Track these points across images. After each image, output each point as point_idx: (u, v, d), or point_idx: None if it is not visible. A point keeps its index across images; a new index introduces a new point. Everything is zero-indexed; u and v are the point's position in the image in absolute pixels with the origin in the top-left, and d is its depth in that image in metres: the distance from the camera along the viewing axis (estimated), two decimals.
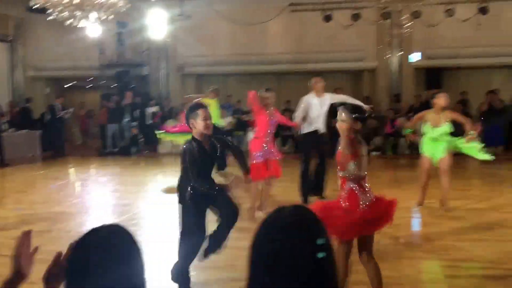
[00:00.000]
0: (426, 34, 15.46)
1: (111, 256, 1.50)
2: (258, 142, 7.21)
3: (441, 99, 7.16)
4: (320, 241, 1.39)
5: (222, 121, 11.41)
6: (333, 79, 15.91)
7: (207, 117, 4.42)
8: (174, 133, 10.89)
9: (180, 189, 4.55)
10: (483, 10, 14.11)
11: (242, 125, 14.55)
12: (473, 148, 7.22)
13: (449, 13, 14.10)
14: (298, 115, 8.02)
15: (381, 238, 6.10)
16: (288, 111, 13.95)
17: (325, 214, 3.77)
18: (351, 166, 3.91)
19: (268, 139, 7.22)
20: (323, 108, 7.93)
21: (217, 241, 4.57)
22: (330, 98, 8.06)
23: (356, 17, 14.81)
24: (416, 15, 14.22)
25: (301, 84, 8.44)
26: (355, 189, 3.91)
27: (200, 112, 4.40)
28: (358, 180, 3.92)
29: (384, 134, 14.78)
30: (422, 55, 16.32)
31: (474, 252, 5.63)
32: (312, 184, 8.11)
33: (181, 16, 16.13)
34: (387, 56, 16.44)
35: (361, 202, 3.89)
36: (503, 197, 8.55)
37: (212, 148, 4.49)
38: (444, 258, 5.47)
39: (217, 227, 4.58)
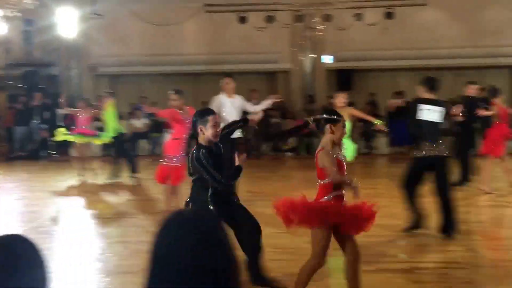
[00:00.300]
0: (337, 37, 15.99)
1: (11, 266, 1.46)
2: (176, 143, 7.01)
3: (338, 98, 7.79)
4: (219, 244, 1.40)
5: (120, 125, 11.14)
6: (248, 81, 16.10)
7: (217, 124, 4.29)
8: (73, 134, 10.62)
9: (195, 203, 4.33)
10: (389, 15, 14.84)
11: (158, 127, 14.38)
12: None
13: (358, 17, 14.69)
14: None
15: (292, 237, 6.25)
16: None
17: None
18: (335, 172, 3.94)
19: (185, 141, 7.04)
20: (235, 109, 7.96)
21: (253, 267, 4.51)
22: (241, 101, 8.13)
23: (270, 19, 15.06)
24: (327, 18, 14.68)
25: (218, 85, 8.48)
26: (340, 196, 4.01)
27: (210, 118, 4.23)
28: (340, 186, 4.01)
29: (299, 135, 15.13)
30: (334, 57, 16.89)
31: (382, 247, 5.91)
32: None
33: (93, 15, 15.68)
34: (301, 58, 16.86)
35: None
36: None
37: (218, 150, 4.36)
38: None
39: (246, 255, 4.50)
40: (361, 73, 17.20)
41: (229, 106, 7.91)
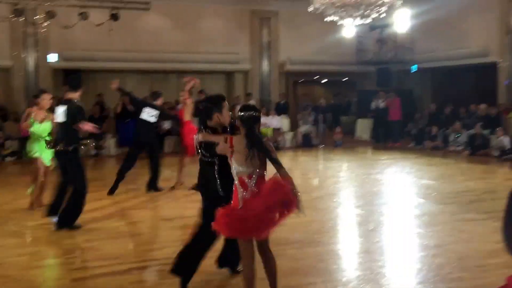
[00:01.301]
0: (63, 35, 15.39)
1: None
2: None
3: (44, 101, 7.74)
4: None
5: None
6: None
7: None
8: None
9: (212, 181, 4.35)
10: (114, 17, 14.83)
11: None
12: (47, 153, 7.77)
13: (83, 16, 14.33)
14: None
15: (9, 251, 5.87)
16: None
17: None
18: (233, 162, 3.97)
19: None
20: None
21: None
22: None
23: None
24: (51, 15, 13.97)
25: None
26: (237, 184, 3.96)
27: (224, 104, 4.37)
28: (242, 175, 3.95)
29: (20, 138, 14.11)
30: (60, 56, 16.22)
31: (103, 250, 5.87)
32: None
33: None
34: (23, 56, 15.79)
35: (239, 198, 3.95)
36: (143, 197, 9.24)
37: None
38: (71, 262, 5.58)
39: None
40: (89, 73, 16.87)
41: None
